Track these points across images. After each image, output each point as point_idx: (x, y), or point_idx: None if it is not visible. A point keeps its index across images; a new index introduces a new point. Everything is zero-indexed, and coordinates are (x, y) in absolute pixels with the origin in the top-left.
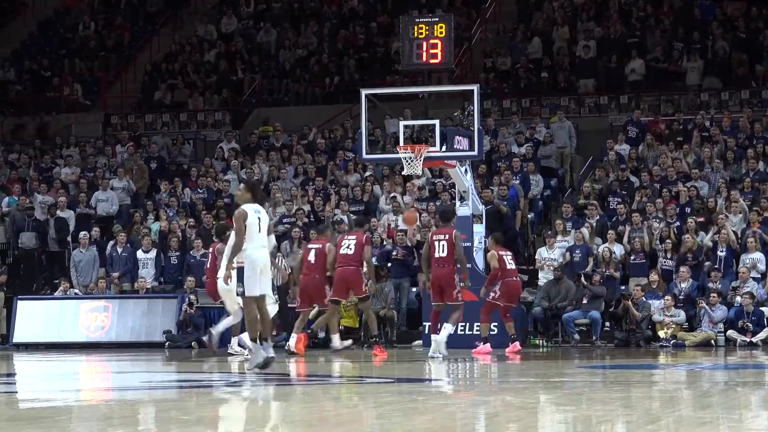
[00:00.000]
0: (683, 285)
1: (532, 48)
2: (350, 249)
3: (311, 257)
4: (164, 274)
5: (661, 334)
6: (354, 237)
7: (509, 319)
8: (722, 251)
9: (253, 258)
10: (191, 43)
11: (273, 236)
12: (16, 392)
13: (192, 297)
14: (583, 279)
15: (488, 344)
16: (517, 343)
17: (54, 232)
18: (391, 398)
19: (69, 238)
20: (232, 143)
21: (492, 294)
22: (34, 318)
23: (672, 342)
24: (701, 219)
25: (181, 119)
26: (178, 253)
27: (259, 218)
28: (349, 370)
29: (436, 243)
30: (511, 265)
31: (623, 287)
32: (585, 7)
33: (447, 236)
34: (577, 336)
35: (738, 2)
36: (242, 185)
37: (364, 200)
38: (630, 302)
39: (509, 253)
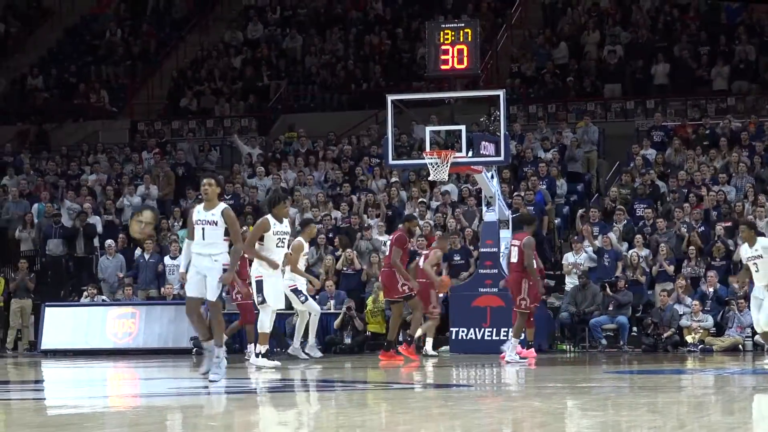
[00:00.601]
0: (710, 290)
1: (559, 53)
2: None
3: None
4: None
5: (689, 339)
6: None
7: (532, 324)
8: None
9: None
10: (217, 49)
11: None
12: (44, 399)
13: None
14: (608, 289)
15: (532, 349)
16: (533, 350)
17: (83, 238)
18: (418, 404)
19: (96, 244)
20: (257, 149)
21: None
22: (61, 325)
23: (699, 347)
24: (728, 224)
25: (208, 125)
26: None
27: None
28: (376, 375)
29: (511, 248)
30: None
31: (650, 291)
32: (611, 11)
33: (519, 243)
34: (604, 341)
35: (765, 5)
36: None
37: (393, 205)
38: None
39: None
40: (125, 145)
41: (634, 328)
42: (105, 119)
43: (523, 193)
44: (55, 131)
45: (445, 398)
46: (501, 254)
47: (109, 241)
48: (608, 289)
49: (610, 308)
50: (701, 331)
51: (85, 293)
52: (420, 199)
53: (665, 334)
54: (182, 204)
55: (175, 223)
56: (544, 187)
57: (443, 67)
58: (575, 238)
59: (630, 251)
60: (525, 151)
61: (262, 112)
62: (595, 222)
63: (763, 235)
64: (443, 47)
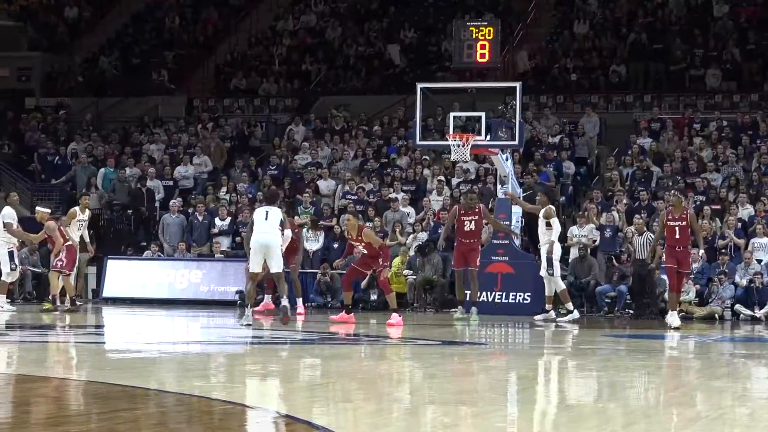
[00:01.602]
0: (695, 265)
1: (569, 49)
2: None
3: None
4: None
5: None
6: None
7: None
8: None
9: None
10: (266, 36)
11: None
12: (104, 342)
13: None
14: (614, 260)
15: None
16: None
17: (146, 199)
18: (437, 360)
19: (157, 205)
20: (300, 126)
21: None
22: (122, 276)
23: (680, 315)
24: (717, 207)
25: (255, 104)
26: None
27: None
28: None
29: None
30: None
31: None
32: (615, 16)
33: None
34: (606, 308)
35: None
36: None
37: (416, 181)
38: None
39: None
40: (181, 118)
41: (628, 297)
42: (164, 95)
43: (532, 175)
44: (120, 105)
45: (459, 354)
46: (513, 227)
47: (173, 201)
48: (614, 261)
49: (615, 278)
50: (683, 303)
51: (148, 250)
52: (439, 177)
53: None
54: (230, 173)
55: (224, 189)
56: (551, 168)
57: (467, 60)
58: (580, 213)
59: (627, 228)
60: (539, 136)
61: (304, 94)
62: (598, 201)
63: None
64: (467, 42)
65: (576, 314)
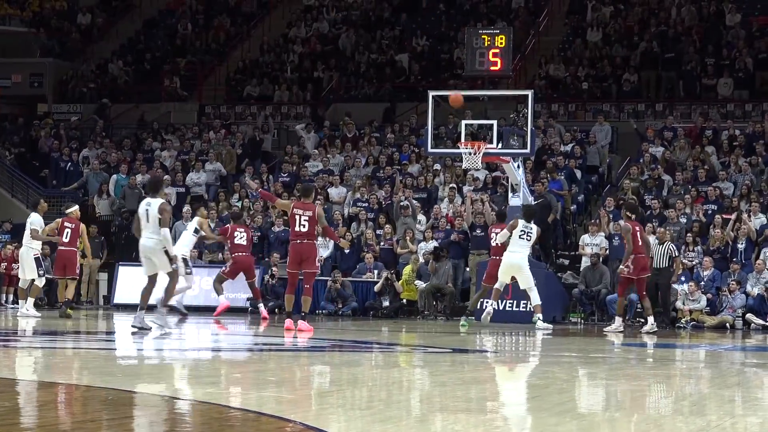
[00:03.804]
0: (705, 273)
1: (581, 58)
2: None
3: None
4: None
5: (683, 321)
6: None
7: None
8: (742, 244)
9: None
10: (278, 43)
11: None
12: (115, 349)
13: (274, 269)
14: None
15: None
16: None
17: None
18: (447, 368)
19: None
20: (311, 133)
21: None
22: (133, 282)
23: (691, 324)
24: (729, 216)
25: (267, 111)
26: (259, 231)
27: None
28: (409, 339)
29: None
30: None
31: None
32: (627, 24)
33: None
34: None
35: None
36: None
37: (427, 188)
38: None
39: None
40: (194, 125)
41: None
42: (176, 102)
43: (545, 182)
44: (131, 111)
45: (470, 363)
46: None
47: (185, 208)
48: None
49: None
50: (694, 312)
51: None
52: (450, 184)
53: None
54: (240, 179)
55: (236, 195)
56: (562, 176)
57: (479, 68)
58: (592, 221)
59: None
60: (551, 145)
61: (316, 101)
62: (609, 209)
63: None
64: (480, 50)
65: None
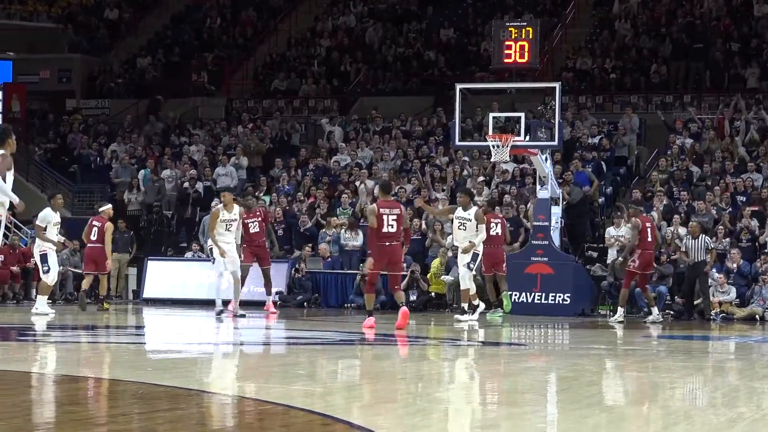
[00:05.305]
0: (734, 265)
1: (609, 49)
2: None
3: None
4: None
5: (713, 312)
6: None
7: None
8: None
9: None
10: (305, 37)
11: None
12: (144, 343)
13: (303, 265)
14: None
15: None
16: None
17: (191, 201)
18: (474, 360)
19: (198, 207)
20: (337, 127)
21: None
22: (162, 276)
23: (721, 316)
24: (756, 208)
25: (294, 105)
26: (284, 225)
27: None
28: (438, 332)
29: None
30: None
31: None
32: (655, 15)
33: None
34: (646, 309)
35: None
36: None
37: (456, 180)
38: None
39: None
40: (221, 120)
41: (667, 298)
42: (204, 96)
43: (571, 173)
44: (159, 106)
45: (500, 356)
46: (551, 228)
47: (214, 202)
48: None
49: (654, 279)
50: (724, 303)
51: (189, 251)
52: (480, 178)
53: (696, 301)
54: (270, 173)
55: (263, 189)
56: (590, 169)
57: (506, 60)
58: (617, 214)
59: (666, 229)
60: (579, 137)
61: (343, 94)
62: (637, 201)
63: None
64: (506, 43)
65: (475, 316)
